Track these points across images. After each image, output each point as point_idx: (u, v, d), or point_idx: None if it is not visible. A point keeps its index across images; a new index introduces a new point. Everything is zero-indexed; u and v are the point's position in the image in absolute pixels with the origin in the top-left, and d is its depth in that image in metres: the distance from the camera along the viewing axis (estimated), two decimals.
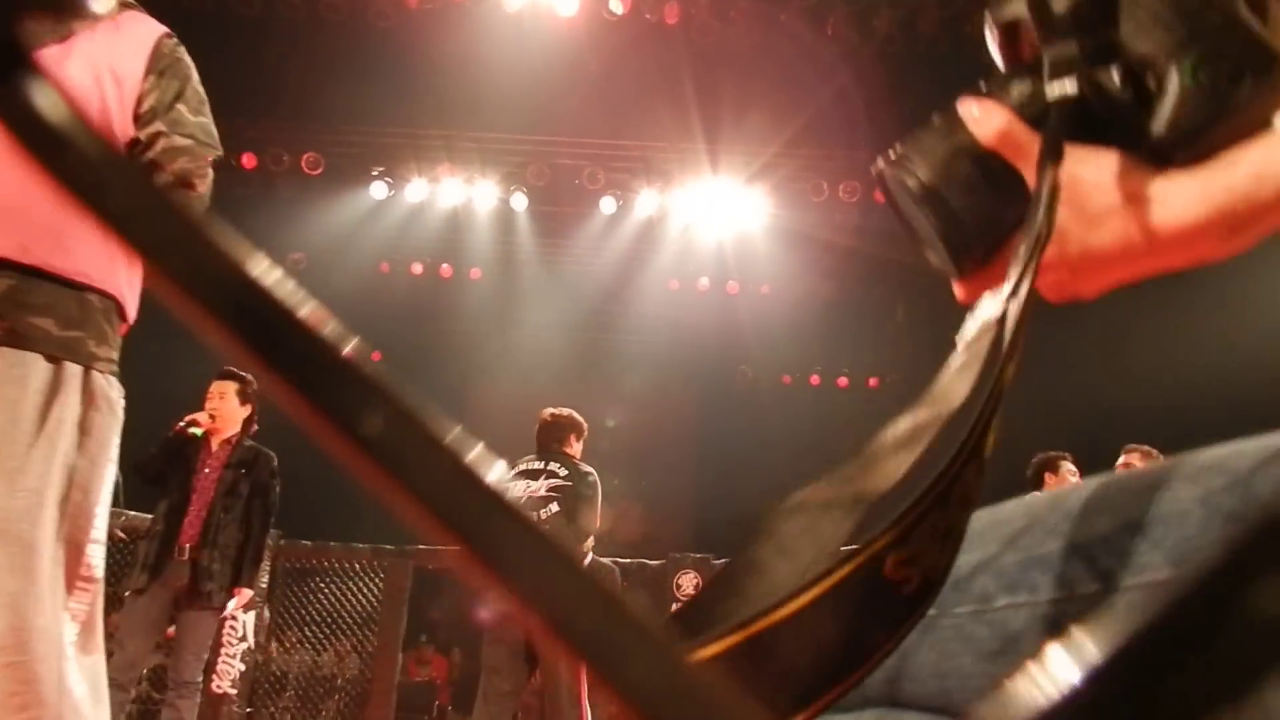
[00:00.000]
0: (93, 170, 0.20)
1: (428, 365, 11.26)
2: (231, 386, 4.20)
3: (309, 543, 6.89)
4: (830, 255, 9.86)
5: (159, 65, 1.81)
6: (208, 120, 1.90)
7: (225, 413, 4.18)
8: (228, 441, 4.19)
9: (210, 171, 1.85)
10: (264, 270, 0.21)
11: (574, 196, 9.85)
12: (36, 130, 0.19)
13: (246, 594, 4.13)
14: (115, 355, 1.75)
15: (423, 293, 10.84)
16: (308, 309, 0.22)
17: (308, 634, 6.93)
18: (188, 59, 1.90)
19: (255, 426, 4.29)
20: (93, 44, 1.72)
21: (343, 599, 6.93)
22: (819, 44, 7.94)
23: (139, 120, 1.75)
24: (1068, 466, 4.67)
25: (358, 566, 6.97)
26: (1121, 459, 4.48)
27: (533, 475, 4.39)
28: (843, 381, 10.74)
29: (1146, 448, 4.36)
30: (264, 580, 6.24)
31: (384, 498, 0.21)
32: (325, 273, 10.25)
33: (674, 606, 6.16)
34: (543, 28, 7.84)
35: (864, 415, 9.92)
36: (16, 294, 1.58)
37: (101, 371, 1.71)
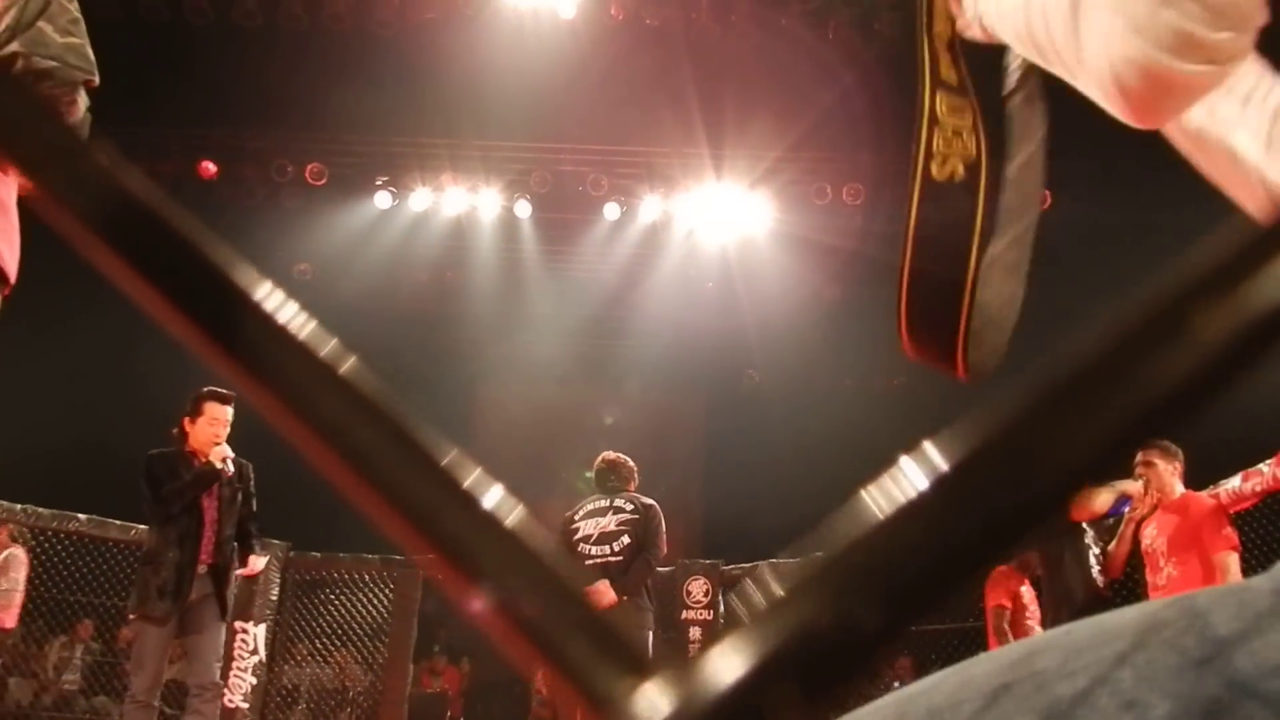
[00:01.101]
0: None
1: (434, 371, 11.26)
2: (231, 411, 4.32)
3: (318, 554, 6.89)
4: (835, 258, 9.85)
5: None
6: (80, 41, 1.64)
7: (223, 439, 4.33)
8: (225, 459, 4.32)
9: (81, 99, 1.64)
10: (142, 186, 0.22)
11: (578, 203, 9.86)
12: None
13: (262, 560, 4.43)
14: None
15: (428, 300, 10.85)
16: (177, 217, 0.22)
17: (318, 646, 6.92)
18: None
19: None
20: None
21: (353, 610, 6.92)
22: (820, 47, 7.94)
23: None
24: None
25: (368, 578, 6.97)
26: (1139, 456, 4.41)
27: (601, 513, 4.77)
28: (849, 384, 10.72)
29: (1165, 444, 4.28)
30: (274, 593, 6.24)
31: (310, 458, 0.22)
32: (332, 282, 10.27)
33: (684, 613, 6.15)
34: (544, 35, 7.85)
35: (871, 418, 9.89)
36: None
37: None
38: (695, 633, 6.50)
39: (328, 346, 0.22)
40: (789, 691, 0.20)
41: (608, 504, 4.79)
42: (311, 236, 10.11)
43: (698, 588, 6.56)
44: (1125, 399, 0.21)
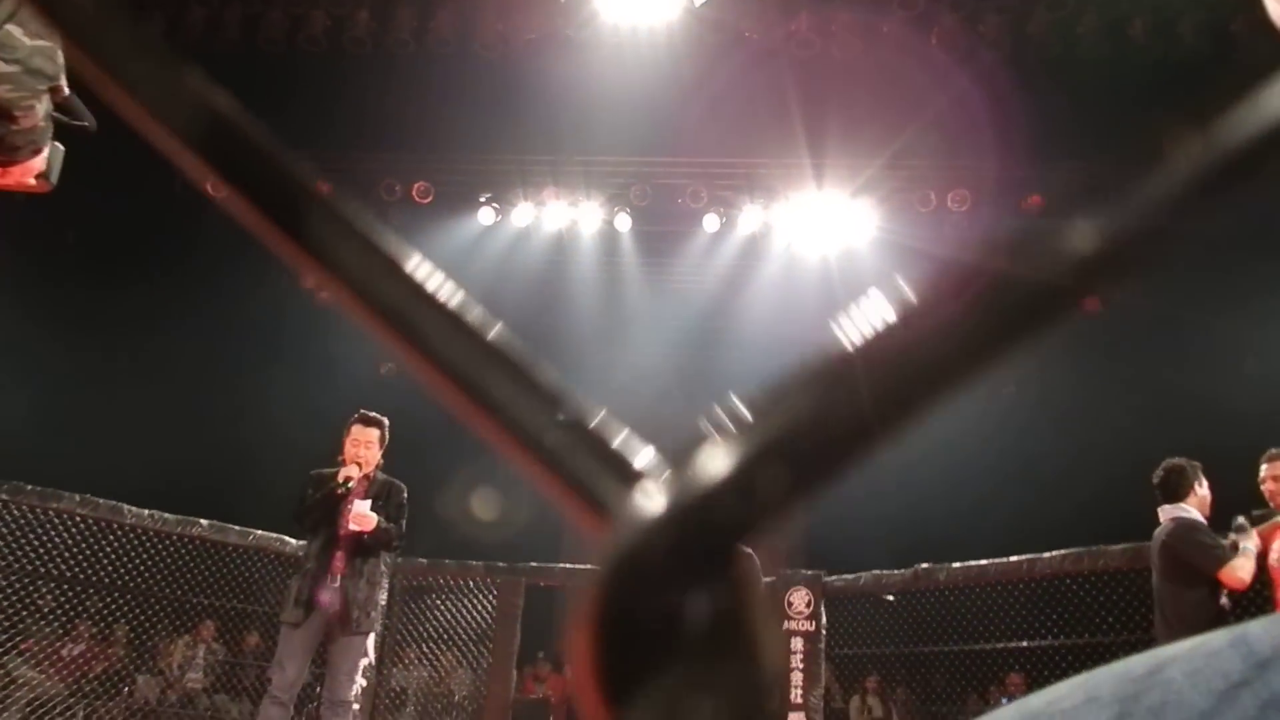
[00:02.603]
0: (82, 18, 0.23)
1: None
2: (375, 434, 4.49)
3: (424, 560, 7.06)
4: (938, 266, 9.64)
5: None
6: (50, 46, 1.59)
7: (369, 458, 4.47)
8: (366, 477, 4.46)
9: (39, 104, 1.60)
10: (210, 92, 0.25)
11: (677, 215, 9.90)
12: None
13: (371, 517, 4.31)
14: None
15: (530, 314, 11.03)
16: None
17: (425, 650, 7.09)
18: None
19: (382, 461, 4.53)
20: None
21: (458, 616, 7.07)
22: (923, 53, 7.81)
23: None
24: (1204, 480, 4.42)
25: (471, 584, 7.11)
26: (1264, 469, 4.22)
27: None
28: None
29: None
30: (382, 599, 6.42)
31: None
32: None
33: (786, 624, 6.09)
34: (643, 51, 7.93)
35: (978, 427, 9.64)
36: None
37: None
38: (797, 643, 6.44)
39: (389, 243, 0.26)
40: (779, 474, 0.22)
41: None
42: (418, 253, 10.37)
43: (799, 598, 6.50)
44: None
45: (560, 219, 10.15)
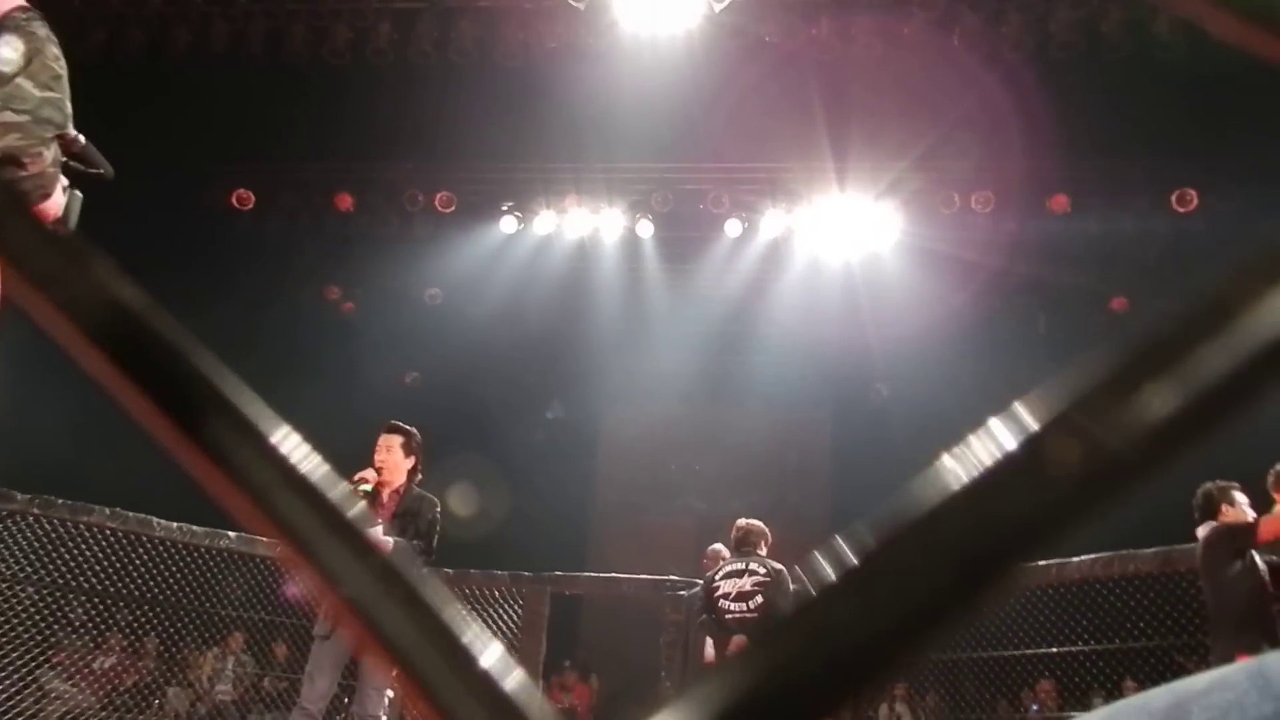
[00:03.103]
0: None
1: (561, 391, 11.46)
2: (397, 440, 4.44)
3: (450, 570, 7.07)
4: (964, 267, 9.58)
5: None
6: (59, 96, 1.72)
7: (392, 464, 4.40)
8: (396, 491, 4.39)
9: (47, 151, 1.70)
10: (129, 292, 0.24)
11: (699, 221, 9.89)
12: None
13: (388, 542, 4.31)
14: None
15: (553, 321, 11.05)
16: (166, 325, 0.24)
17: None
18: (42, 31, 1.73)
19: (420, 475, 4.48)
20: None
21: (484, 626, 7.07)
22: (945, 55, 7.76)
23: None
24: (1240, 496, 4.37)
25: (497, 594, 7.11)
26: None
27: (738, 574, 5.47)
28: (982, 398, 10.38)
29: None
30: None
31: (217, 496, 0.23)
32: (461, 306, 10.58)
33: None
34: (663, 58, 7.93)
35: None
36: None
37: None
38: None
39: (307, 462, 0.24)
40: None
41: (743, 566, 5.48)
42: (442, 262, 10.45)
43: None
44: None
45: (582, 226, 10.16)
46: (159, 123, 8.01)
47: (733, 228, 9.79)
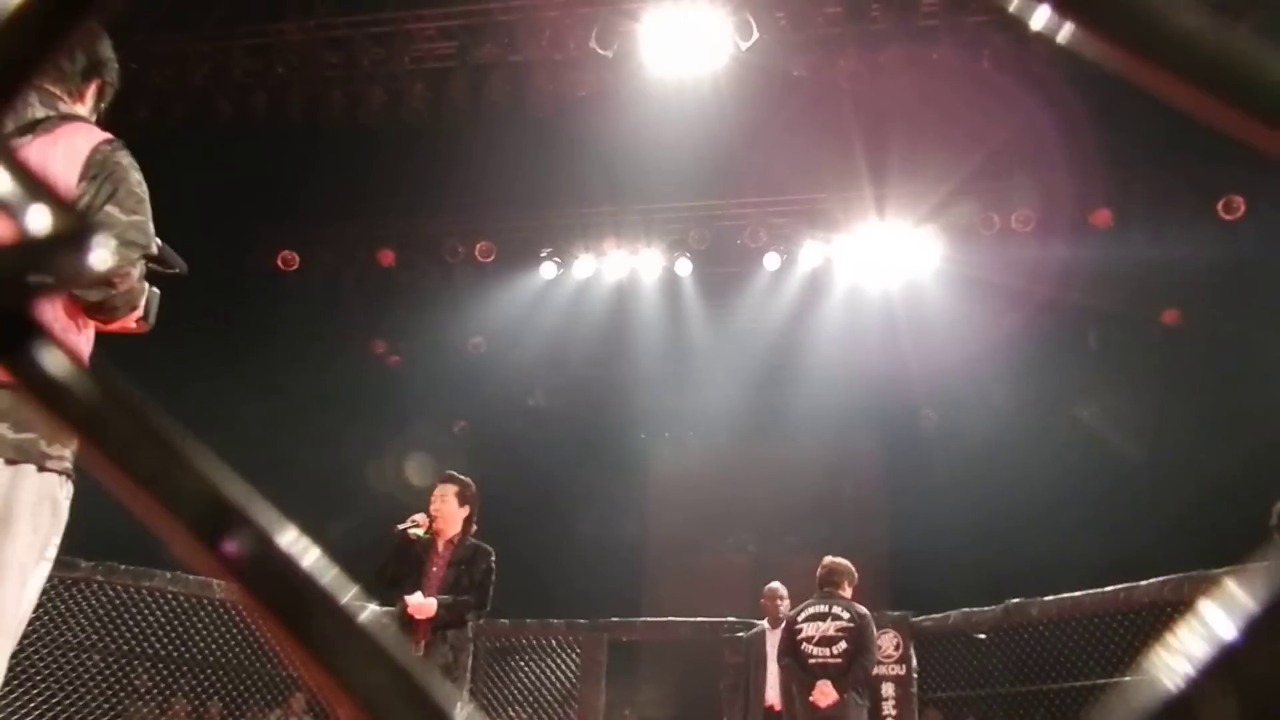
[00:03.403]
0: (92, 412, 0.24)
1: (609, 433, 11.44)
2: (451, 489, 4.48)
3: (507, 621, 7.05)
4: (1008, 288, 9.46)
5: (92, 171, 1.89)
6: (142, 219, 1.93)
7: (447, 514, 4.44)
8: (450, 541, 4.43)
9: (136, 269, 1.91)
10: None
11: (737, 256, 9.90)
12: (47, 387, 0.25)
13: (428, 605, 4.29)
14: (68, 454, 1.87)
15: (597, 364, 11.08)
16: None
17: (511, 715, 7.04)
18: (126, 161, 1.95)
19: (475, 526, 4.51)
20: (28, 158, 1.80)
21: (543, 676, 7.02)
22: (976, 77, 7.74)
23: None
24: None
25: (554, 643, 7.07)
26: None
27: (821, 617, 5.45)
28: (1033, 419, 10.18)
29: None
30: (468, 661, 6.42)
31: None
32: (505, 353, 10.66)
33: (874, 669, 5.92)
34: (688, 99, 7.98)
35: (1062, 451, 9.36)
36: None
37: (52, 470, 1.84)
38: (888, 689, 6.25)
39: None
40: None
41: (826, 609, 5.46)
42: (484, 311, 10.56)
43: (888, 641, 6.32)
44: None
45: (621, 268, 10.22)
46: (205, 191, 8.22)
47: (771, 261, 9.78)
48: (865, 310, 10.05)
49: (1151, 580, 5.41)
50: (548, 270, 10.20)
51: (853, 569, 5.61)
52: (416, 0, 8.13)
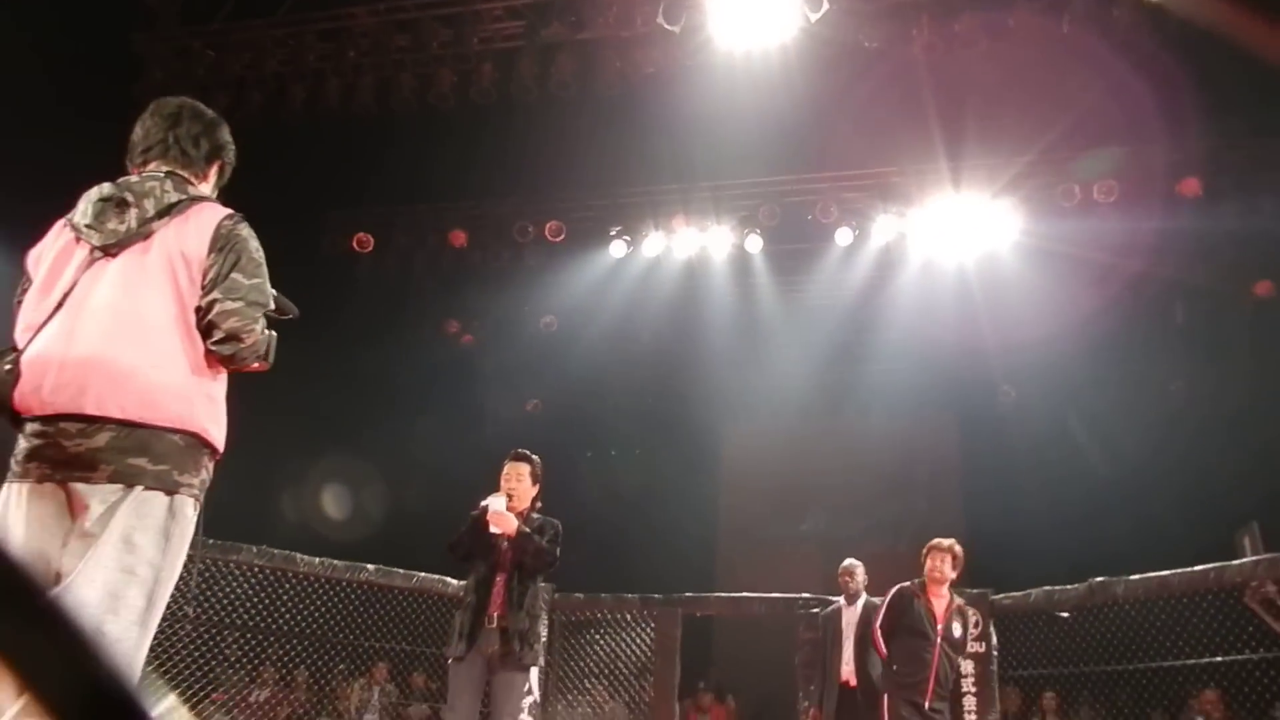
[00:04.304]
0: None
1: (679, 410, 11.45)
2: (525, 468, 4.59)
3: (580, 596, 7.13)
4: (1090, 260, 9.19)
5: (218, 244, 2.19)
6: (262, 281, 2.23)
7: (522, 492, 4.55)
8: (521, 515, 4.51)
9: (258, 325, 2.19)
10: None
11: (808, 232, 9.78)
12: None
13: (509, 517, 4.38)
14: (197, 481, 2.16)
15: (668, 342, 11.08)
16: None
17: (587, 686, 7.14)
18: (245, 232, 2.24)
19: (540, 503, 4.59)
20: (167, 235, 2.19)
21: (618, 650, 7.09)
22: (1054, 43, 7.50)
23: (204, 290, 2.16)
24: None
25: (628, 617, 7.13)
26: None
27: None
28: (1115, 393, 9.89)
29: None
30: (543, 631, 6.52)
31: None
32: (576, 331, 10.72)
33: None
34: (757, 72, 7.88)
35: (1150, 426, 9.09)
36: (116, 442, 2.04)
37: (185, 495, 2.12)
38: (968, 666, 6.17)
39: None
40: None
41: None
42: (554, 290, 10.63)
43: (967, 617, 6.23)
44: None
45: (691, 246, 10.19)
46: (280, 175, 8.41)
47: (843, 236, 9.65)
48: (940, 285, 9.86)
49: (1245, 559, 5.24)
50: (617, 249, 10.21)
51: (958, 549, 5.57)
52: None
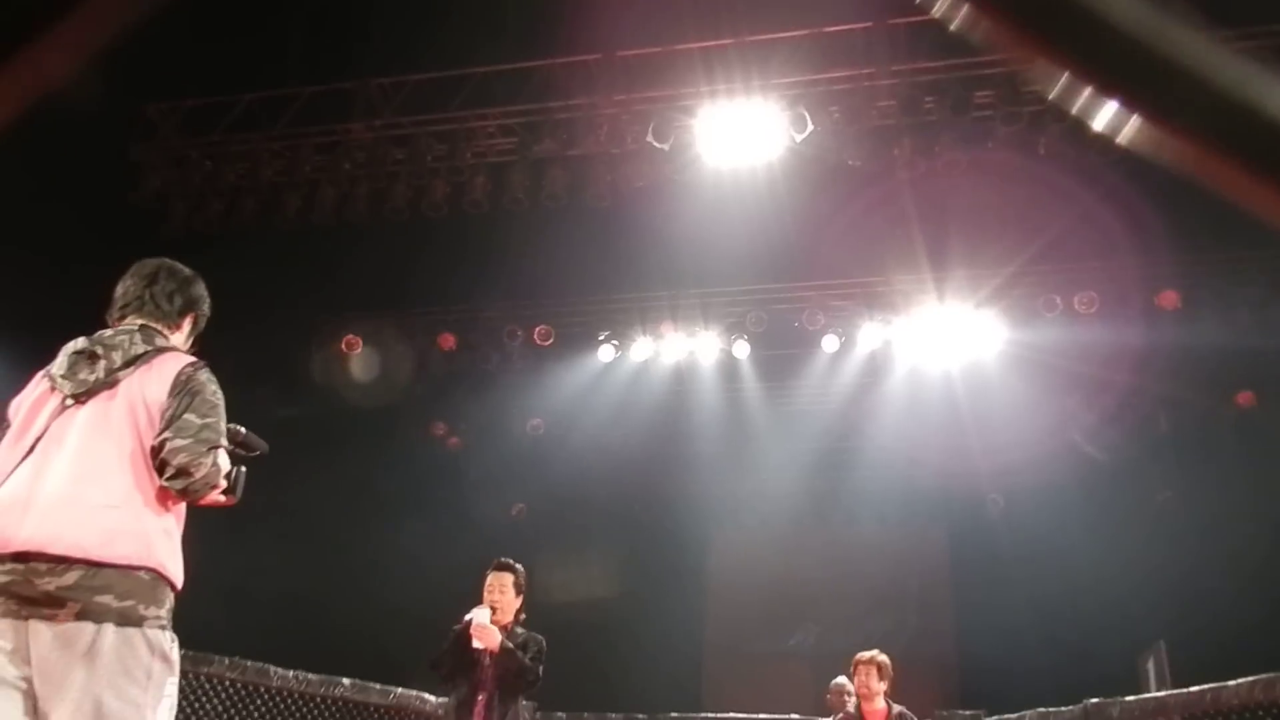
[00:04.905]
0: None
1: (666, 516, 11.34)
2: (509, 578, 4.46)
3: (563, 715, 6.92)
4: (1072, 370, 9.29)
5: (177, 389, 2.36)
6: (216, 420, 2.38)
7: (505, 604, 4.41)
8: (504, 628, 4.38)
9: (207, 460, 2.32)
10: None
11: (795, 338, 9.88)
12: None
13: (492, 629, 4.25)
14: (163, 613, 2.26)
15: (655, 446, 11.04)
16: None
17: None
18: (204, 377, 2.42)
19: (524, 615, 4.47)
20: (132, 383, 2.38)
21: None
22: (1032, 163, 7.73)
23: (159, 431, 2.31)
24: None
25: None
26: None
27: None
28: (1106, 501, 9.85)
29: None
30: None
31: None
32: (563, 435, 10.68)
33: None
34: (744, 188, 8.09)
35: (1140, 538, 9.03)
36: (84, 580, 2.15)
37: (153, 627, 2.21)
38: None
39: None
40: None
41: None
42: (542, 394, 10.64)
43: None
44: None
45: (679, 351, 10.26)
46: (271, 280, 8.49)
47: (830, 343, 9.74)
48: (926, 392, 9.92)
49: (1241, 680, 5.13)
50: (606, 353, 10.27)
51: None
52: (478, 100, 8.41)
